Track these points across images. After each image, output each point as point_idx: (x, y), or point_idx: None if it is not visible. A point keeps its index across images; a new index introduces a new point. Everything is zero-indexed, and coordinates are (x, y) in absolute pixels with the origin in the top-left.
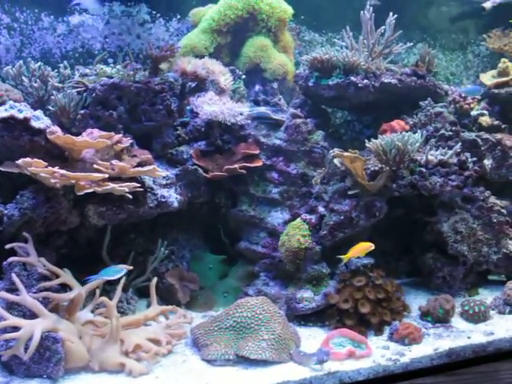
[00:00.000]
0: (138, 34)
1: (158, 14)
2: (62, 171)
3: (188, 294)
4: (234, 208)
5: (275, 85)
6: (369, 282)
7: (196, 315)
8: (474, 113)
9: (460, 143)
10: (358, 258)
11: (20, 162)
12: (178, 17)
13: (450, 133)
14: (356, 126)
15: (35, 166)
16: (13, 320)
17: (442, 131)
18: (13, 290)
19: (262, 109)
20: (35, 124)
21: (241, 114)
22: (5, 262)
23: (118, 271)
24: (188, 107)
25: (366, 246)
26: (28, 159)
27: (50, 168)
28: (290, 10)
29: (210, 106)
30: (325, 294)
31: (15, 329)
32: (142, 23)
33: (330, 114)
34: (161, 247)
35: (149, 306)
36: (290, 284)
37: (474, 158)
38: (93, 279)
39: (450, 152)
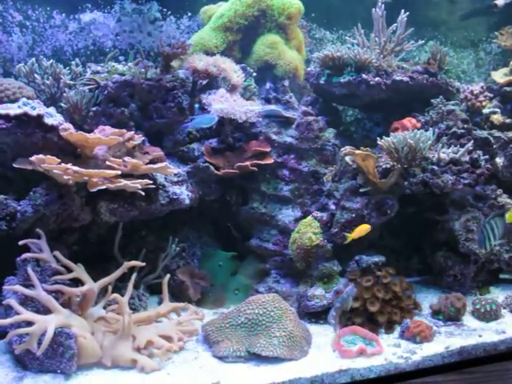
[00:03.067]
0: (149, 31)
1: (169, 12)
2: (75, 168)
3: (199, 291)
4: (245, 205)
5: (286, 82)
6: (377, 281)
7: (207, 312)
8: (485, 111)
9: (472, 141)
10: (369, 255)
11: (33, 158)
12: (189, 14)
13: (462, 131)
14: (366, 124)
15: (48, 163)
16: (27, 315)
17: (454, 129)
18: (26, 285)
19: (273, 106)
20: (48, 121)
21: (252, 111)
22: (18, 258)
23: (212, 118)
24: (197, 105)
25: (366, 227)
26: (41, 156)
27: (63, 165)
28: (301, 6)
29: (221, 104)
30: (336, 292)
31: (29, 324)
32: (152, 21)
33: (341, 111)
34: (172, 244)
35: (160, 302)
36: (301, 281)
37: (486, 156)
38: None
39: (462, 150)
